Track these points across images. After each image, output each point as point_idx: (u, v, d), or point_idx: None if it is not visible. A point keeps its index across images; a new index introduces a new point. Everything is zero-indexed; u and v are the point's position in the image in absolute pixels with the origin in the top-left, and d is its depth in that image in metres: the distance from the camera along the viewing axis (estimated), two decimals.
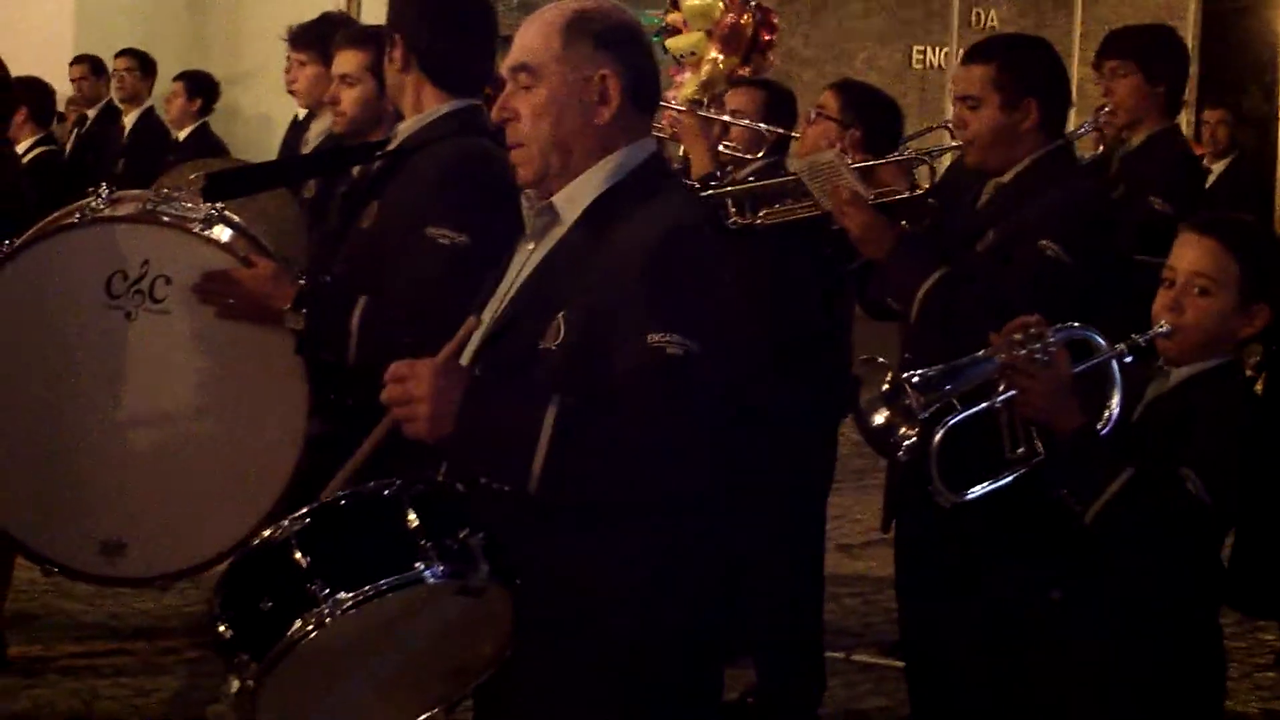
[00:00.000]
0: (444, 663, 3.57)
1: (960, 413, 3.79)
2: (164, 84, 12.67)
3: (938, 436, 3.75)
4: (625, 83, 3.61)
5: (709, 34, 10.77)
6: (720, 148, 6.72)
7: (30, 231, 4.75)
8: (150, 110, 12.56)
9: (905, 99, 13.04)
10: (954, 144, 5.34)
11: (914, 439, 3.71)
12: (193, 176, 5.06)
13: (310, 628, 3.28)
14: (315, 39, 7.09)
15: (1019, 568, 4.29)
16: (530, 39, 3.65)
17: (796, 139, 6.61)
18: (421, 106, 4.85)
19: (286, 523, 3.37)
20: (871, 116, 6.29)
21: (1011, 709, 4.78)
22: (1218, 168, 12.86)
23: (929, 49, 21.52)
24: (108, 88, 12.86)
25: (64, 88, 12.71)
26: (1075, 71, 13.49)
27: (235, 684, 3.40)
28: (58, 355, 4.63)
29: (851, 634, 7.48)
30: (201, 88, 11.98)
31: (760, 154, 6.80)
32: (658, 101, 3.84)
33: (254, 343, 4.64)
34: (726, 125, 6.85)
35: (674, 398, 3.38)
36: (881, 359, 3.80)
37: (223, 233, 4.72)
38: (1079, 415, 3.78)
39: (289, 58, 7.60)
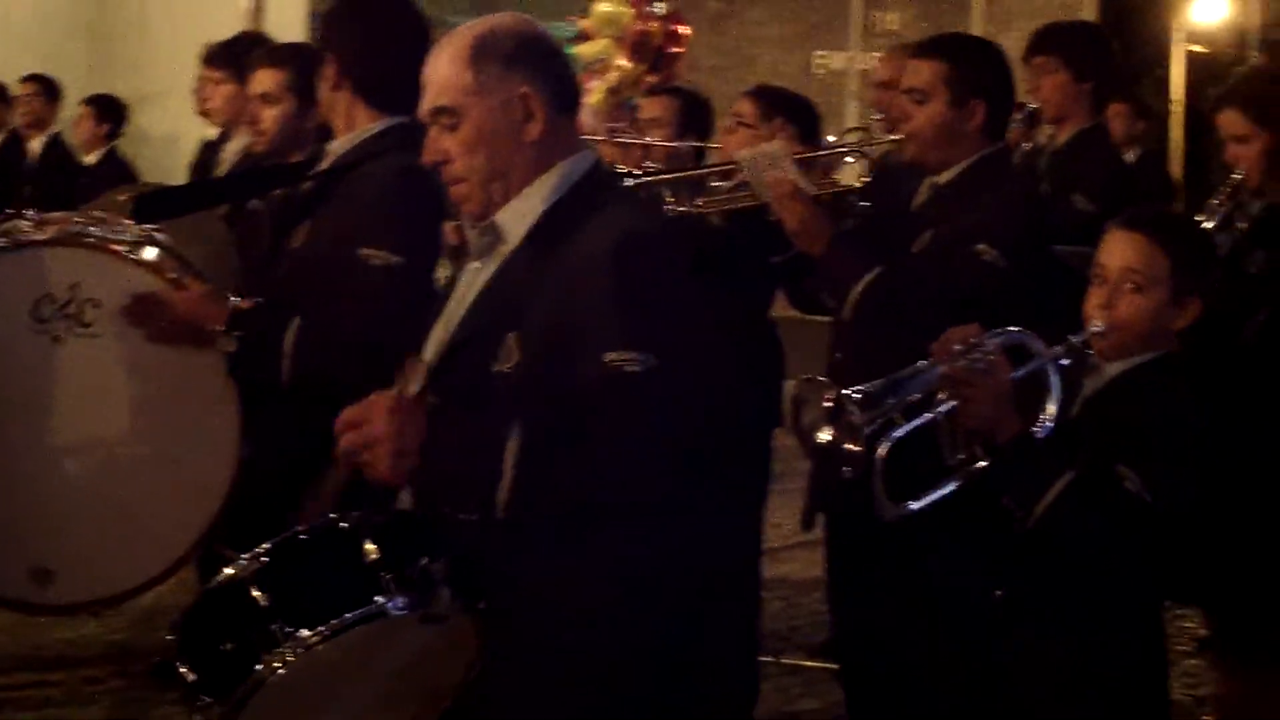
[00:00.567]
0: (413, 688, 3.55)
1: (903, 426, 3.78)
2: (68, 108, 12.57)
3: (882, 451, 3.75)
4: (545, 94, 3.58)
5: (617, 41, 10.78)
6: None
7: None
8: (58, 136, 12.45)
9: None
10: (893, 137, 5.30)
11: (859, 455, 3.70)
12: (121, 199, 5.03)
13: (274, 668, 3.25)
14: (231, 58, 7.05)
15: (959, 568, 4.30)
16: (441, 77, 3.61)
17: (717, 148, 6.58)
18: (354, 125, 4.80)
19: (244, 560, 3.35)
20: (790, 120, 6.32)
21: (954, 710, 4.81)
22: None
23: (830, 54, 21.65)
24: (11, 114, 12.73)
25: None
26: None
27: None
28: None
29: (779, 637, 7.46)
30: (110, 111, 11.86)
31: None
32: (579, 99, 3.79)
33: (185, 366, 4.60)
34: (647, 147, 6.82)
35: (636, 416, 3.34)
36: (822, 377, 3.78)
37: (152, 254, 4.67)
38: (1018, 421, 3.79)
39: (202, 77, 7.56)
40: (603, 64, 10.88)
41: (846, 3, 20.73)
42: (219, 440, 4.65)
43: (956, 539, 4.26)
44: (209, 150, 8.11)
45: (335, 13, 4.94)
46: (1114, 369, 4.03)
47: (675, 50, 11.01)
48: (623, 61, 10.69)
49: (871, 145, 5.48)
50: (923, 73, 5.10)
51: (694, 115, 7.14)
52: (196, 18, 13.61)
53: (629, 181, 5.59)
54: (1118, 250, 4.02)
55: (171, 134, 14.31)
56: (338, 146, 4.86)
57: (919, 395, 3.79)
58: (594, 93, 10.76)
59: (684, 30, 11.27)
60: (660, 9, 10.92)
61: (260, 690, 3.27)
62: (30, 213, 4.73)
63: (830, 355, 5.38)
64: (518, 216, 3.59)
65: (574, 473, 3.34)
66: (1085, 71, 6.62)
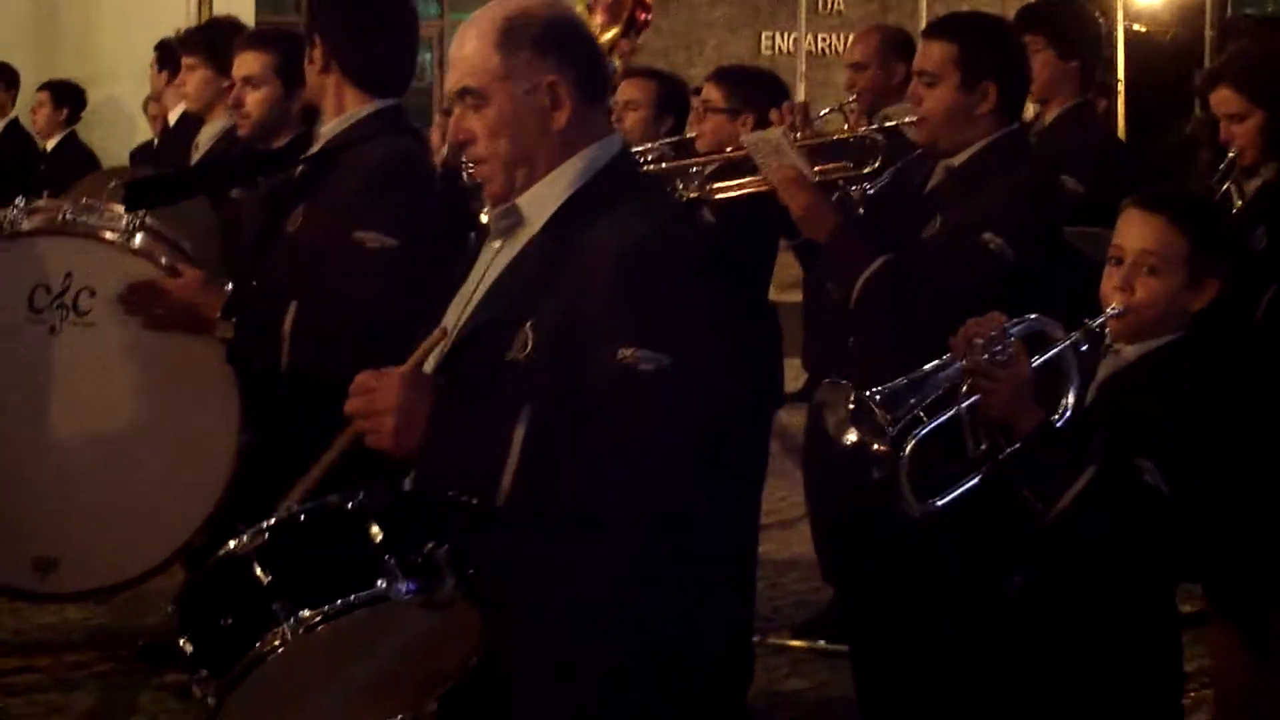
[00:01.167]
0: (410, 673, 3.52)
1: (928, 424, 3.75)
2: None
3: (907, 450, 3.72)
4: (574, 82, 3.51)
5: (590, 6, 10.76)
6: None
7: None
8: (15, 122, 12.35)
9: None
10: (909, 119, 5.23)
11: (886, 455, 3.68)
12: (111, 185, 4.98)
13: (273, 646, 3.23)
14: (205, 42, 7.01)
15: (975, 554, 4.28)
16: (468, 57, 3.52)
17: (695, 138, 6.53)
18: (343, 108, 4.77)
19: (246, 537, 3.30)
20: (758, 99, 6.28)
21: (963, 697, 4.80)
22: None
23: (777, 35, 21.65)
24: None
25: None
26: None
27: (196, 694, 3.36)
28: None
29: (762, 617, 7.42)
30: (67, 96, 11.79)
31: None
32: (609, 86, 3.75)
33: (183, 353, 4.57)
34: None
35: (645, 415, 3.30)
36: (844, 380, 3.75)
37: (145, 242, 4.64)
38: (1040, 412, 3.77)
39: (154, 65, 7.48)
40: None
41: None
42: (219, 427, 4.63)
43: (971, 528, 4.23)
44: (177, 133, 8.05)
45: None
46: (1131, 352, 4.01)
47: (644, 16, 10.98)
48: (598, 23, 10.64)
49: (881, 130, 5.40)
50: (933, 55, 5.04)
51: (671, 98, 7.11)
52: (143, 2, 13.56)
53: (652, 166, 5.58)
54: (1135, 232, 3.99)
55: (120, 118, 14.25)
56: (328, 130, 4.83)
57: (941, 391, 3.75)
58: None
59: (649, 1, 11.26)
60: None
61: (257, 668, 3.24)
62: (19, 202, 4.66)
63: (838, 341, 5.32)
64: (540, 201, 3.54)
65: (580, 467, 3.30)
66: (1071, 49, 6.60)
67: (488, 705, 3.54)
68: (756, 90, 6.34)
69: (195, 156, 6.91)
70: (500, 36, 3.49)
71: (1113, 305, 3.95)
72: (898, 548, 4.95)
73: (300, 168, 4.84)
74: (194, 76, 7.00)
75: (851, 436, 3.72)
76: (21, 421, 4.57)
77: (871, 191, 5.29)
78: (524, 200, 3.55)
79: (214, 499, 4.63)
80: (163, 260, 4.60)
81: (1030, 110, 6.73)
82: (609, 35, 10.68)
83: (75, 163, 10.44)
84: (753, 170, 5.42)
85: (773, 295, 6.59)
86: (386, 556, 3.26)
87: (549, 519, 3.38)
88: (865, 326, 5.06)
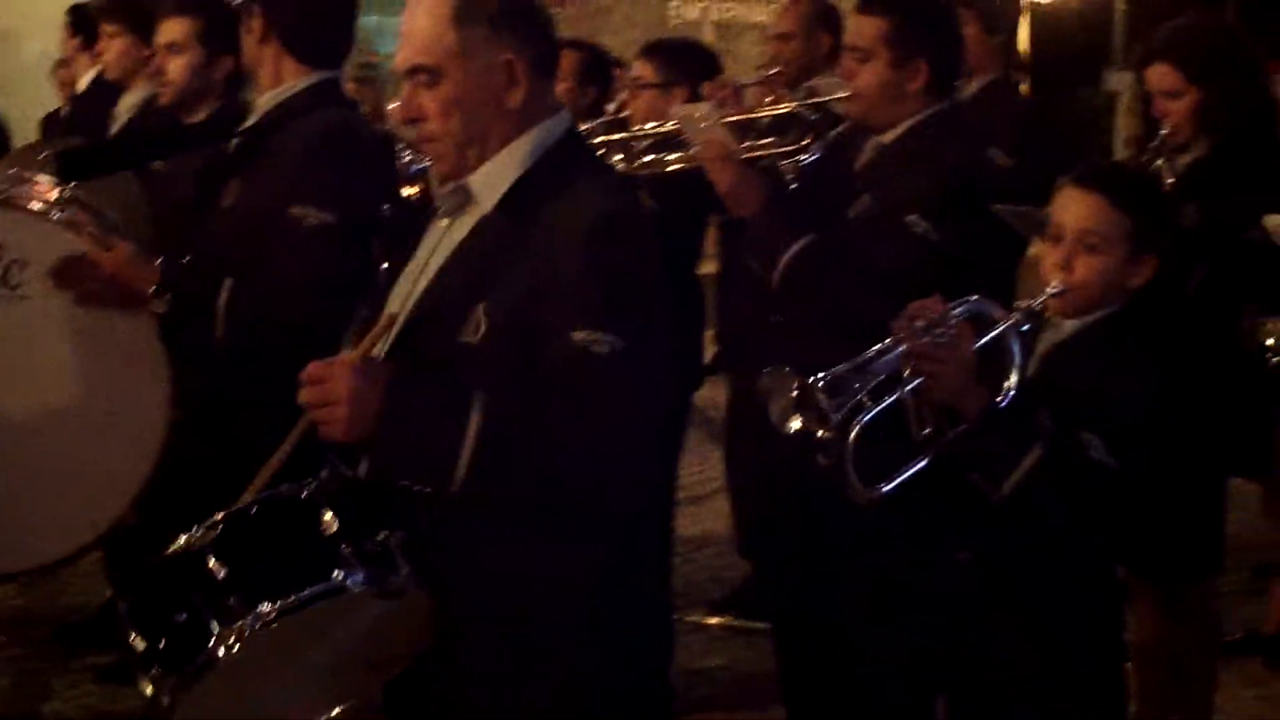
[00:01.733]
0: (361, 659, 3.48)
1: (872, 409, 3.73)
2: None
3: (852, 435, 3.70)
4: (529, 60, 3.45)
5: None
6: None
7: None
8: None
9: None
10: (840, 94, 5.19)
11: (832, 441, 3.66)
12: (41, 157, 4.90)
13: (231, 643, 3.18)
14: (126, 10, 6.87)
15: (915, 532, 4.27)
16: (421, 34, 3.44)
17: (626, 116, 6.48)
18: (281, 79, 4.70)
19: (199, 531, 3.25)
20: (690, 73, 6.25)
21: (895, 670, 4.81)
22: None
23: (684, 4, 21.58)
24: None
25: None
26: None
27: (149, 689, 3.29)
28: None
29: (676, 594, 7.42)
30: None
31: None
32: (559, 60, 3.69)
33: (115, 328, 4.52)
34: None
35: (600, 398, 3.26)
36: (787, 368, 3.73)
37: (77, 215, 4.58)
38: (985, 393, 3.76)
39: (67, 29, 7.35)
40: None
41: None
42: (149, 404, 4.57)
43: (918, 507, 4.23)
44: (87, 101, 7.92)
45: None
46: (1071, 326, 4.00)
47: None
48: None
49: (813, 105, 5.36)
50: (864, 31, 4.99)
51: (595, 69, 7.07)
52: None
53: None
54: (1075, 210, 3.98)
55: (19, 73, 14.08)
56: (265, 101, 4.76)
57: (884, 376, 3.73)
58: None
59: None
60: None
61: (215, 664, 3.19)
62: None
63: (763, 317, 5.29)
64: (491, 180, 3.48)
65: (535, 452, 3.27)
66: (994, 24, 6.62)
67: (435, 691, 3.51)
68: (688, 64, 6.31)
69: (115, 126, 6.79)
70: (455, 12, 3.42)
71: (1052, 283, 3.94)
72: (836, 535, 4.95)
73: (236, 140, 4.76)
74: (114, 45, 6.88)
75: (795, 424, 3.70)
76: None
77: (805, 163, 5.25)
78: (474, 179, 3.49)
79: (142, 479, 4.58)
80: (95, 234, 4.52)
81: None
82: None
83: None
84: (683, 146, 5.39)
85: None
86: (342, 546, 3.23)
87: (504, 504, 3.34)
88: (788, 305, 5.02)
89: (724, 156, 5.02)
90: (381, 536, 3.26)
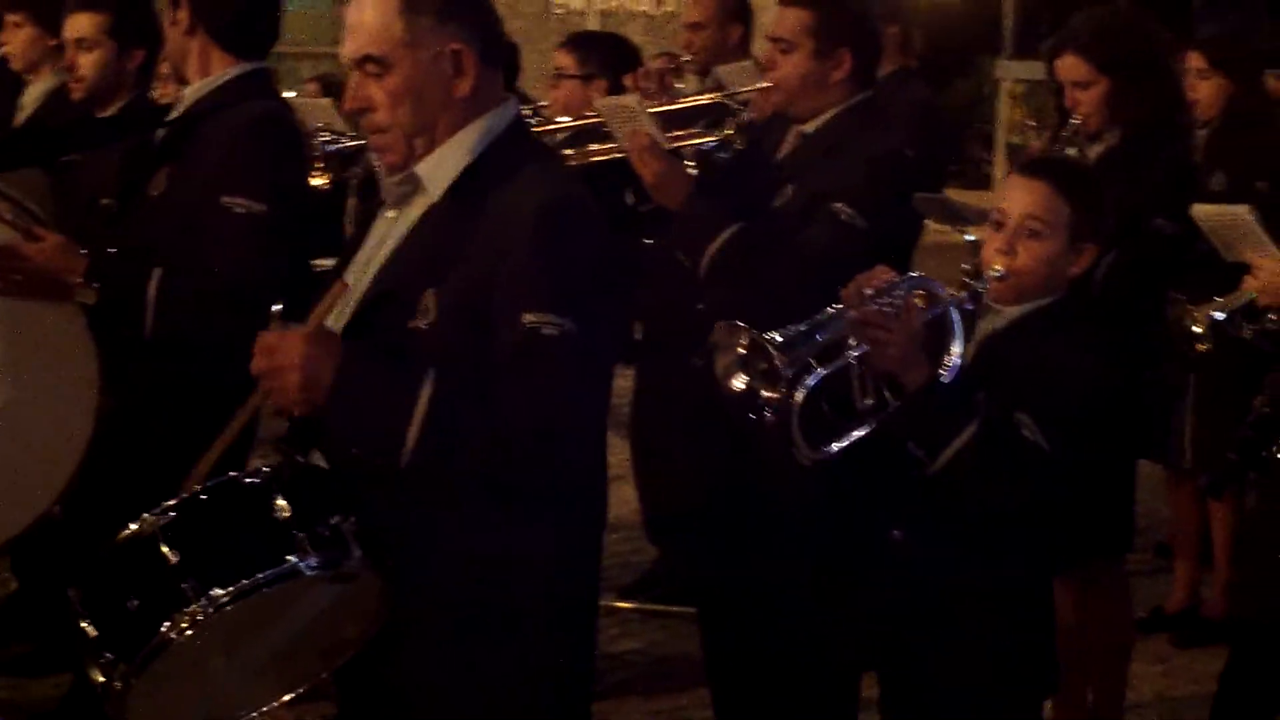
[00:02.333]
0: (313, 643, 3.51)
1: (818, 371, 3.78)
2: None
3: (799, 397, 3.75)
4: (478, 49, 3.48)
5: None
6: None
7: None
8: None
9: (547, 43, 13.05)
10: (763, 85, 5.24)
11: (781, 400, 3.69)
12: None
13: (184, 627, 3.20)
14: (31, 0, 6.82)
15: (847, 510, 4.33)
16: (368, 24, 3.45)
17: (545, 107, 6.50)
18: (209, 70, 4.70)
19: (150, 516, 3.27)
20: (610, 64, 6.29)
21: (827, 650, 4.86)
22: None
23: None
24: None
25: None
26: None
27: (100, 678, 3.30)
28: None
29: None
30: None
31: None
32: (504, 49, 3.71)
33: (42, 319, 4.47)
34: None
35: (550, 379, 3.30)
36: (740, 322, 3.77)
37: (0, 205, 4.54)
38: (928, 366, 3.83)
39: None
40: None
41: None
42: (78, 394, 4.54)
43: (847, 484, 4.28)
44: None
45: None
46: (1011, 312, 4.08)
47: None
48: None
49: (737, 96, 5.40)
50: (787, 22, 5.06)
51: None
52: None
53: None
54: (1019, 197, 4.07)
55: None
56: (192, 92, 4.76)
57: (832, 340, 3.78)
58: None
59: None
60: None
61: (167, 649, 3.21)
62: None
63: (682, 306, 5.33)
64: (439, 169, 3.50)
65: (485, 430, 3.30)
66: (894, 15, 6.69)
67: (386, 676, 3.54)
68: (608, 55, 6.37)
69: (21, 116, 6.73)
70: (403, 2, 3.44)
71: (995, 268, 4.02)
72: (759, 516, 5.01)
73: (163, 130, 4.75)
74: (19, 35, 6.79)
75: (740, 382, 3.74)
76: None
77: (725, 156, 5.28)
78: (422, 167, 3.52)
79: (72, 466, 4.54)
80: (20, 224, 4.49)
81: None
82: None
83: None
84: (605, 138, 5.42)
85: None
86: (295, 531, 3.25)
87: (452, 481, 3.37)
88: (715, 294, 5.06)
89: (651, 148, 5.05)
90: (334, 521, 3.29)
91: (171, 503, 3.29)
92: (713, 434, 5.12)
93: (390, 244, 3.56)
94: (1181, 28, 8.35)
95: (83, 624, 3.31)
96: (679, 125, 5.31)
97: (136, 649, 3.23)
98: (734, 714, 5.35)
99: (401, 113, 3.47)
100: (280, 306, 3.56)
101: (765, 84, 5.16)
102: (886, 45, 6.65)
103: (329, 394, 3.29)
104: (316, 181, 5.57)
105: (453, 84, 3.47)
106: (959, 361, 3.84)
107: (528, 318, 3.29)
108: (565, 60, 6.38)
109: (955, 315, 3.88)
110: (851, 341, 3.81)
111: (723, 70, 6.51)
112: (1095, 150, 5.56)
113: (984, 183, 19.69)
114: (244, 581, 3.21)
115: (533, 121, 5.94)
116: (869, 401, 3.88)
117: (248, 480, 3.31)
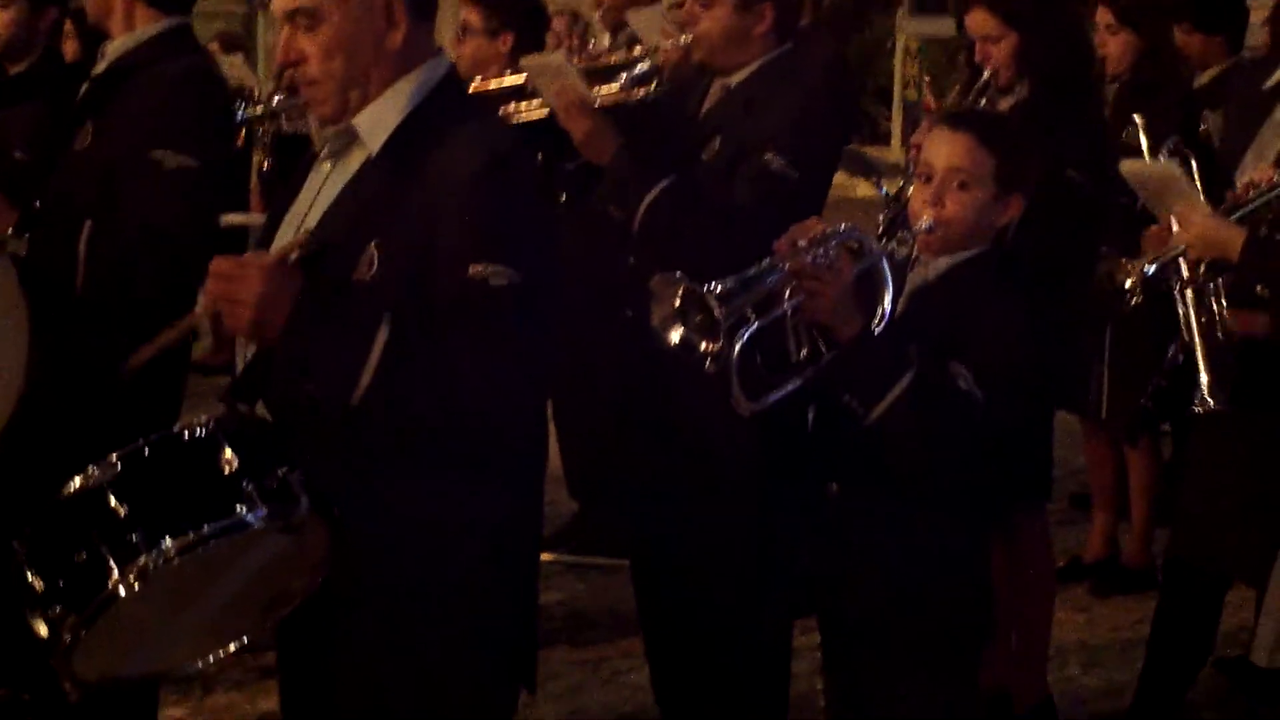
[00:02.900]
0: (257, 596, 3.50)
1: (754, 323, 3.81)
2: None
3: (737, 348, 3.78)
4: (408, 2, 3.49)
5: None
6: None
7: None
8: None
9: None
10: (684, 39, 5.24)
11: (721, 351, 3.71)
12: None
13: (132, 579, 3.19)
14: None
15: (783, 463, 4.36)
16: None
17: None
18: (133, 25, 4.66)
19: (96, 470, 3.26)
20: (516, 19, 6.31)
21: (761, 605, 4.92)
22: None
23: None
24: None
25: None
26: None
27: (44, 630, 3.30)
28: None
29: None
30: None
31: None
32: (436, 3, 3.69)
33: None
34: None
35: (498, 329, 3.32)
36: (678, 273, 3.79)
37: None
38: (860, 317, 3.87)
39: None
40: None
41: None
42: (7, 348, 4.47)
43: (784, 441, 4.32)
44: None
45: None
46: (941, 264, 4.12)
47: None
48: None
49: (659, 52, 5.41)
50: None
51: None
52: None
53: None
54: (944, 149, 4.11)
55: None
56: (116, 47, 4.72)
57: (767, 292, 3.81)
58: None
59: None
60: None
61: (115, 602, 3.20)
62: None
63: (612, 260, 5.35)
64: (375, 122, 3.51)
65: (435, 378, 3.31)
66: None
67: (327, 630, 3.55)
68: (514, 10, 6.37)
69: None
70: None
71: (923, 220, 4.06)
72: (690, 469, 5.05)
73: (86, 85, 4.73)
74: None
75: (676, 334, 3.75)
76: None
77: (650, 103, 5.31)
78: (359, 120, 3.52)
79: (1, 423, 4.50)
80: None
81: None
82: None
83: None
84: (527, 95, 5.44)
85: None
86: (243, 482, 3.25)
87: (399, 432, 3.38)
88: (647, 249, 5.10)
89: (580, 105, 5.07)
90: (281, 472, 3.28)
91: (117, 455, 3.27)
92: (639, 388, 5.16)
93: (327, 197, 3.56)
94: None
95: (29, 577, 3.29)
96: (601, 81, 5.34)
97: (85, 601, 3.22)
98: (668, 664, 5.38)
99: (334, 65, 3.48)
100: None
101: (686, 39, 5.18)
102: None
103: (285, 328, 3.29)
104: None
105: (385, 36, 3.48)
106: (890, 313, 3.88)
107: (475, 269, 3.30)
108: (471, 16, 6.38)
109: (885, 267, 3.92)
110: (786, 294, 3.84)
111: (632, 17, 6.51)
112: (1006, 103, 5.63)
113: (882, 139, 19.81)
114: (192, 533, 3.20)
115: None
116: (804, 353, 3.91)
117: (194, 432, 3.30)
